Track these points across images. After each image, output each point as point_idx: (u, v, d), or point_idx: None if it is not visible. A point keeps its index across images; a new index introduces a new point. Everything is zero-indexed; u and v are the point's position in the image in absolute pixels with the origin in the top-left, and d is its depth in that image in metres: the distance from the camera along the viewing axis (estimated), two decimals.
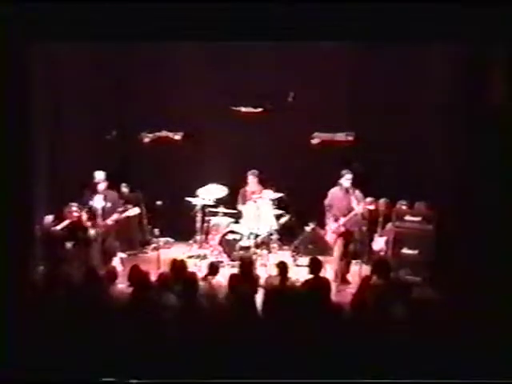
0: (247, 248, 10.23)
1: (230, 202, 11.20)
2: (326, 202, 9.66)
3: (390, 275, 7.57)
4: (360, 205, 9.43)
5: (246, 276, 7.48)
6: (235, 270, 7.88)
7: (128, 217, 10.51)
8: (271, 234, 10.88)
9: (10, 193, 7.50)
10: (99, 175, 9.85)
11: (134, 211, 10.57)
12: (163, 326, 6.20)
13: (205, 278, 7.49)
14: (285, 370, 5.54)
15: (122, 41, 9.46)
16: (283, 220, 11.21)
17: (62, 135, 11.02)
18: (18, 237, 7.61)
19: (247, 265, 7.70)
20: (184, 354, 5.69)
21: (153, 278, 7.25)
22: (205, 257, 10.45)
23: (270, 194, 10.77)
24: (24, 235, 7.96)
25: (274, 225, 10.80)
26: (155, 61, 11.52)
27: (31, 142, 8.14)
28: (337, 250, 9.53)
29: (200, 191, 10.95)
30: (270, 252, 10.28)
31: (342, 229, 9.47)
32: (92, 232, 9.65)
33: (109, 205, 9.80)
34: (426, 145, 10.56)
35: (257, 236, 10.49)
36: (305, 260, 9.77)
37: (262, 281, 7.77)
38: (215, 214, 11.17)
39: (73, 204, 9.83)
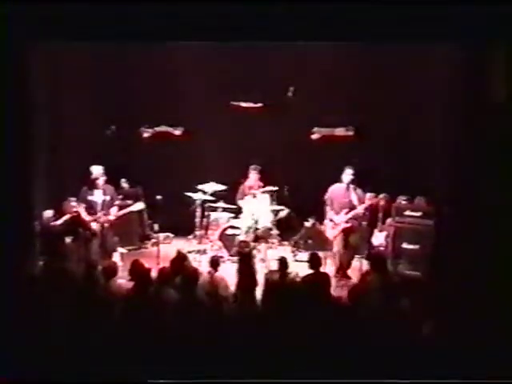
0: (245, 242, 10.22)
1: (230, 197, 11.19)
2: (327, 197, 9.65)
3: (386, 270, 7.60)
4: (360, 203, 9.43)
5: (245, 270, 7.50)
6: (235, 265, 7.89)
7: (130, 212, 10.51)
8: (270, 229, 10.89)
9: (10, 188, 7.50)
10: (97, 170, 9.82)
11: (138, 206, 10.55)
12: (164, 321, 6.20)
13: (209, 273, 7.52)
14: (284, 365, 5.54)
15: (121, 40, 9.44)
16: (283, 213, 11.21)
17: (62, 131, 11.02)
18: (17, 232, 7.62)
19: (246, 259, 7.72)
20: (185, 350, 5.69)
21: (153, 273, 7.25)
22: (204, 252, 10.45)
23: (270, 189, 10.78)
24: (24, 230, 7.96)
25: (272, 219, 10.81)
26: (155, 57, 11.50)
27: (31, 138, 8.15)
28: (336, 246, 9.54)
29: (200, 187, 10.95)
30: (269, 247, 10.27)
31: (343, 225, 9.46)
32: (92, 227, 9.63)
33: (108, 199, 9.78)
34: (426, 140, 10.56)
35: (256, 229, 10.49)
36: (304, 255, 9.80)
37: (261, 275, 7.79)
38: (215, 209, 11.18)
39: (72, 199, 9.83)
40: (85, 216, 9.63)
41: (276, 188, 10.89)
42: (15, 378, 5.56)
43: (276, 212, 11.01)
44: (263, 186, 10.91)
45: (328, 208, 9.65)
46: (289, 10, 6.73)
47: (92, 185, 9.74)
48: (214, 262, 7.68)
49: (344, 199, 9.49)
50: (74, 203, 9.77)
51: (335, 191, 9.60)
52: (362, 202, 9.55)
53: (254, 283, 7.45)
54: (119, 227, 10.30)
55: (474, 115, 8.11)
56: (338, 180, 9.62)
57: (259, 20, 6.93)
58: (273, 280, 7.45)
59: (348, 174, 9.45)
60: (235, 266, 7.83)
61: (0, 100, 7.34)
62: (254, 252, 9.52)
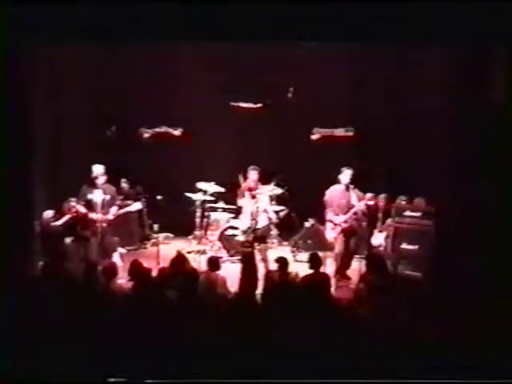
0: (246, 243, 10.22)
1: (230, 197, 11.19)
2: (325, 199, 9.63)
3: (386, 270, 7.60)
4: (360, 202, 9.44)
5: (247, 271, 7.50)
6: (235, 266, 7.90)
7: (128, 212, 10.51)
8: (270, 229, 10.89)
9: (10, 188, 7.50)
10: (98, 169, 9.82)
11: (135, 206, 10.54)
12: (164, 321, 6.20)
13: (206, 273, 7.52)
14: (284, 365, 5.54)
15: (121, 40, 9.44)
16: (283, 213, 11.21)
17: (62, 132, 11.03)
18: (17, 232, 7.61)
19: (248, 260, 7.73)
20: (184, 350, 5.69)
21: (153, 273, 7.26)
22: (204, 252, 10.45)
23: (269, 190, 10.77)
24: (24, 230, 7.96)
25: (272, 219, 10.80)
26: (155, 57, 11.52)
27: (31, 138, 8.14)
28: (338, 247, 9.53)
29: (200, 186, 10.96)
30: (269, 248, 10.27)
31: (343, 226, 9.46)
32: (92, 227, 9.61)
33: (108, 198, 9.77)
34: (426, 141, 10.57)
35: (255, 230, 10.48)
36: (304, 255, 9.80)
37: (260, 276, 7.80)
38: (214, 209, 11.18)
39: (72, 199, 9.82)
40: (85, 215, 9.60)
41: (275, 188, 10.89)
42: (15, 378, 5.56)
43: (276, 212, 11.01)
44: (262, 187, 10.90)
45: (327, 210, 9.64)
46: (289, 10, 6.73)
47: (92, 184, 9.73)
48: (213, 263, 7.67)
49: (343, 200, 9.48)
50: (73, 203, 9.76)
51: (334, 193, 9.58)
52: None
53: (256, 283, 7.45)
54: (119, 227, 10.31)
55: (474, 115, 8.11)
56: (338, 180, 9.60)
57: (259, 20, 6.94)
58: (273, 280, 7.46)
59: (347, 175, 9.44)
60: (237, 267, 7.83)
61: (0, 100, 7.34)
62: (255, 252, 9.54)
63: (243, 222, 10.50)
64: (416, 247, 9.48)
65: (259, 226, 10.35)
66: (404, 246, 9.58)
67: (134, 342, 5.82)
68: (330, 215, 9.58)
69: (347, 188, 9.47)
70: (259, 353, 5.64)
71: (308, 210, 10.97)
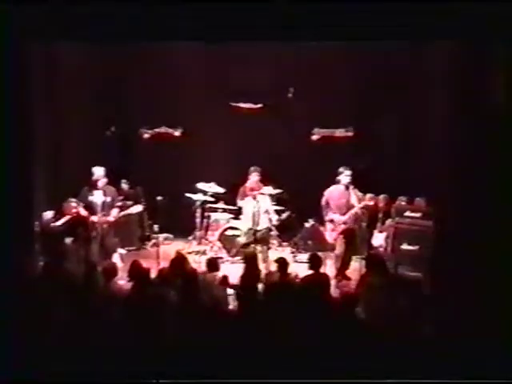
0: (247, 245, 10.22)
1: (230, 198, 11.19)
2: (323, 201, 9.60)
3: (385, 270, 7.61)
4: (360, 203, 9.42)
5: (251, 272, 7.50)
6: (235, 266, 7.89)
7: (129, 214, 10.50)
8: (270, 230, 10.88)
9: (11, 188, 7.51)
10: (98, 171, 9.81)
11: (136, 209, 10.54)
12: (163, 321, 6.20)
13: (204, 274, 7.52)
14: (283, 366, 5.53)
15: (121, 40, 9.44)
16: (283, 216, 11.21)
17: (62, 132, 11.02)
18: (17, 232, 7.62)
19: (251, 261, 7.73)
20: (184, 350, 5.69)
21: (153, 273, 7.25)
22: (204, 253, 10.44)
23: (270, 190, 10.76)
24: (24, 230, 7.97)
25: (273, 220, 10.80)
26: (155, 58, 11.53)
27: (31, 138, 8.15)
28: (338, 248, 9.52)
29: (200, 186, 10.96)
30: (269, 248, 10.26)
31: (342, 226, 9.45)
32: (92, 228, 9.61)
33: (108, 200, 9.76)
34: (426, 141, 10.57)
35: (255, 232, 10.48)
36: (304, 256, 9.80)
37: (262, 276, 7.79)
38: (215, 209, 11.18)
39: (72, 200, 9.81)
40: (84, 215, 9.60)
41: (276, 189, 10.88)
42: (15, 378, 5.55)
43: (276, 213, 11.00)
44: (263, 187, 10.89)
45: (325, 212, 9.61)
46: (289, 10, 6.74)
47: (93, 186, 9.73)
48: (212, 264, 7.66)
49: (342, 200, 9.46)
50: (74, 204, 9.75)
51: (333, 193, 9.55)
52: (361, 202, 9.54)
53: (256, 284, 7.45)
54: (119, 228, 10.29)
55: (474, 115, 8.12)
56: (338, 181, 9.59)
57: (259, 20, 6.94)
58: (272, 281, 7.45)
59: (346, 175, 9.41)
60: (238, 267, 7.82)
61: (0, 100, 7.35)
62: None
63: (244, 223, 10.50)
64: (416, 248, 9.48)
65: (260, 227, 10.35)
66: (404, 246, 9.58)
67: (133, 342, 5.83)
68: (329, 216, 9.57)
69: (347, 188, 9.46)
70: (259, 353, 5.64)
71: (308, 210, 10.95)
